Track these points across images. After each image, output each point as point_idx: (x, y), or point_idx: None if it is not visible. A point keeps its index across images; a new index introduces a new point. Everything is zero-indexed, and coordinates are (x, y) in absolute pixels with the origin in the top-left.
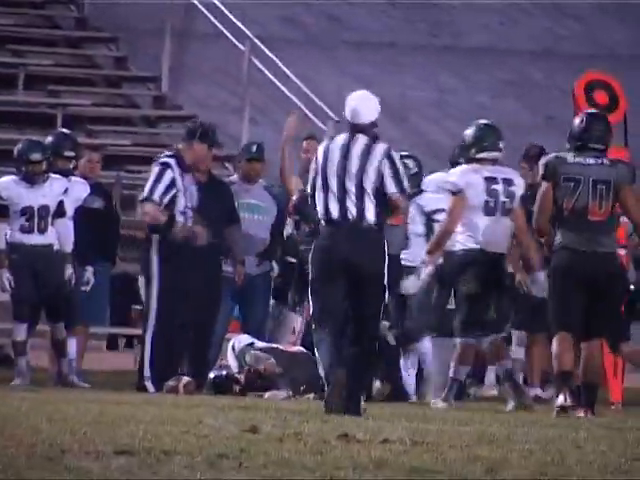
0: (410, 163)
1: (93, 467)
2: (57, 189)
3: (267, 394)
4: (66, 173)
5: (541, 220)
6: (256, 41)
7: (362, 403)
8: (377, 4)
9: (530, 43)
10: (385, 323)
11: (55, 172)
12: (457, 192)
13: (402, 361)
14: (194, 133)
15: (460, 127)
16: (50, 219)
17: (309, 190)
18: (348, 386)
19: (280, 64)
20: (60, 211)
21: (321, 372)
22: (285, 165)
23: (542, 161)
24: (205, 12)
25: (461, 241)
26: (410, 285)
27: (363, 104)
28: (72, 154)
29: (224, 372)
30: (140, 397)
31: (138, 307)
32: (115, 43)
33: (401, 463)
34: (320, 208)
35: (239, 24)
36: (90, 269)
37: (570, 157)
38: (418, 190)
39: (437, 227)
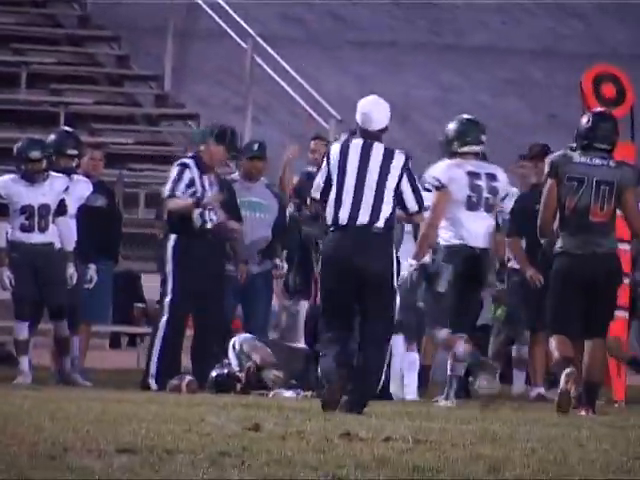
0: None
1: (95, 465)
2: (57, 187)
3: (271, 393)
4: (69, 171)
5: (546, 216)
6: (259, 40)
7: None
8: (380, 3)
9: (531, 42)
10: None
11: (58, 170)
12: (440, 187)
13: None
14: (211, 133)
15: None
16: (51, 217)
17: (315, 188)
18: (356, 386)
19: (283, 63)
20: (61, 209)
21: (320, 370)
22: (284, 179)
23: (548, 159)
24: (208, 10)
25: (444, 236)
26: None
27: (375, 110)
28: (75, 152)
29: (226, 370)
30: (142, 395)
31: (141, 305)
32: (117, 42)
33: (403, 461)
34: (330, 210)
35: (242, 22)
36: (93, 267)
37: (576, 156)
38: None
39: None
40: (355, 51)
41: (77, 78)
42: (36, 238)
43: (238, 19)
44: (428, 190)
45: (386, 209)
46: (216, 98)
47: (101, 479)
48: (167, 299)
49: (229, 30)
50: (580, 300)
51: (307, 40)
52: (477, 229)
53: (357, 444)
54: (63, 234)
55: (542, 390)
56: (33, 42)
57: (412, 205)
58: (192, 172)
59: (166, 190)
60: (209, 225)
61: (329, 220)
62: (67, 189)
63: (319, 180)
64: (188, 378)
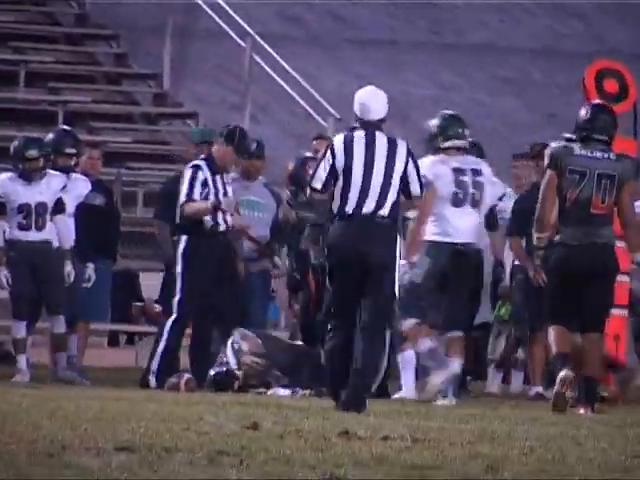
0: None
1: (94, 464)
2: (55, 186)
3: (269, 392)
4: (67, 170)
5: (545, 207)
6: (258, 39)
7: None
8: (379, 3)
9: (531, 41)
10: None
11: (56, 169)
12: (426, 184)
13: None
14: (221, 133)
15: None
16: (48, 216)
17: (317, 179)
18: (354, 382)
19: (282, 62)
20: (59, 207)
21: (325, 359)
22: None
23: (548, 150)
24: (207, 9)
25: (428, 232)
26: None
27: (373, 99)
28: (73, 151)
29: (224, 369)
30: (141, 394)
31: (139, 304)
32: (116, 40)
33: (402, 460)
34: (337, 201)
35: (241, 21)
36: (91, 266)
37: (577, 149)
38: None
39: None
40: (355, 50)
41: (75, 77)
42: (33, 236)
43: (237, 18)
44: None
45: (392, 197)
46: (215, 97)
47: (99, 477)
48: (176, 299)
49: (228, 29)
50: (577, 292)
51: (306, 39)
52: (463, 225)
53: (355, 443)
54: (61, 232)
55: (540, 389)
56: (31, 40)
57: (416, 189)
58: (204, 173)
59: (182, 195)
60: (222, 227)
61: (335, 210)
62: (65, 187)
63: (321, 172)
64: (186, 376)
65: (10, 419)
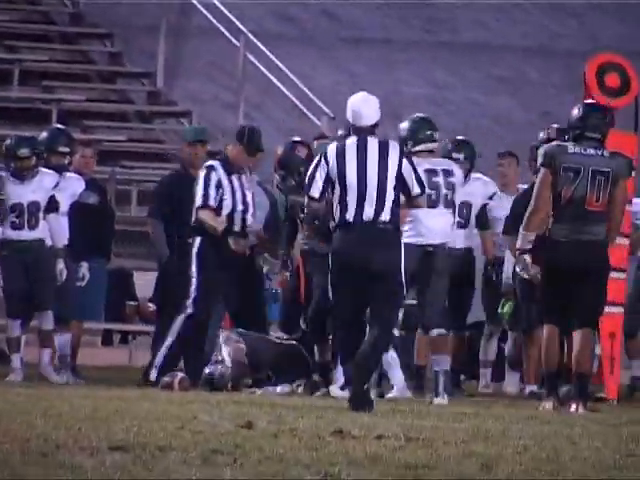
0: None
1: (87, 463)
2: (47, 184)
3: (259, 391)
4: (61, 169)
5: (537, 204)
6: (251, 37)
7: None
8: (372, 2)
9: (526, 40)
10: None
11: (50, 168)
12: None
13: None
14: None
15: (456, 123)
16: (41, 214)
17: (314, 187)
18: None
19: (275, 60)
20: (52, 206)
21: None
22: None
23: (542, 149)
24: (200, 8)
25: (405, 235)
26: None
27: (365, 106)
28: (67, 150)
29: (219, 367)
30: (135, 393)
31: (133, 303)
32: (110, 39)
33: (395, 459)
34: (336, 210)
35: (234, 20)
36: (85, 265)
37: (570, 147)
38: None
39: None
40: (348, 49)
41: (70, 75)
42: (26, 235)
43: (231, 16)
44: None
45: (390, 199)
46: (208, 95)
47: (93, 477)
48: (190, 299)
49: (222, 27)
50: (570, 288)
51: (300, 38)
52: (436, 225)
53: (349, 442)
54: (53, 230)
55: (535, 388)
56: (26, 39)
57: (415, 188)
58: (218, 174)
59: (197, 198)
60: (237, 228)
61: (336, 219)
62: (57, 185)
63: (318, 180)
64: (180, 375)
65: (3, 418)
